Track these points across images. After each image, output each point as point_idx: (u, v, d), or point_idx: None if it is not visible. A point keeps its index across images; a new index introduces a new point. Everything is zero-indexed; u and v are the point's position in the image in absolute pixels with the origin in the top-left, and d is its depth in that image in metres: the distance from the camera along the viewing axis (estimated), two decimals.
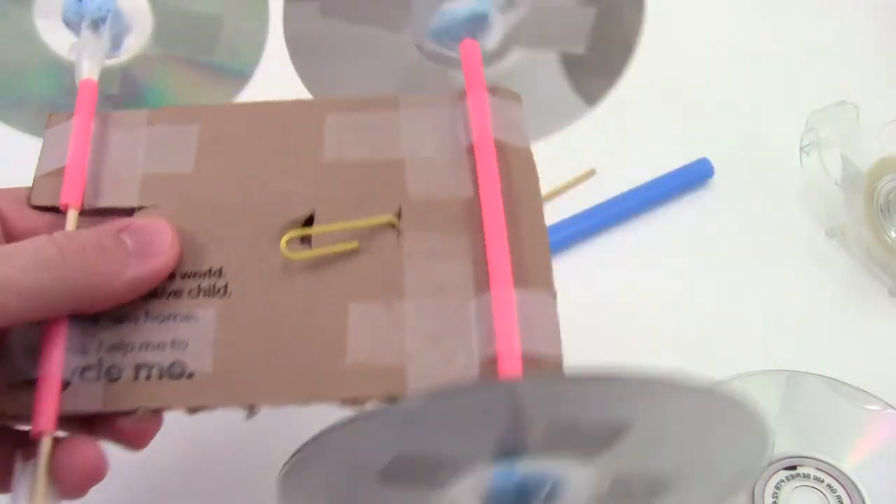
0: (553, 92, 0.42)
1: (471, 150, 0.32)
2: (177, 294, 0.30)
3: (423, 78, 0.38)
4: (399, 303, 0.29)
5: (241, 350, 0.29)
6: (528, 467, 0.26)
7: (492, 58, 0.37)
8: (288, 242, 0.30)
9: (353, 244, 0.30)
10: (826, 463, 0.41)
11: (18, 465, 0.27)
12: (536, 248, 0.30)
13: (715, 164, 0.52)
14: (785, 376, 0.44)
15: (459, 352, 0.28)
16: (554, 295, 0.30)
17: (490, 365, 0.28)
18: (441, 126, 0.33)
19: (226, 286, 0.30)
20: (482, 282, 0.29)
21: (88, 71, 0.33)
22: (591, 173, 0.53)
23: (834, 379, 0.43)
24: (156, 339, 0.29)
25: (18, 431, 0.29)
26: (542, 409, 0.25)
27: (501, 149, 0.32)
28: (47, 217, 0.31)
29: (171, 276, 0.30)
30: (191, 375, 0.28)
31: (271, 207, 0.31)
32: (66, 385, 0.28)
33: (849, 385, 0.43)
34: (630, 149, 0.54)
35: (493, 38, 0.36)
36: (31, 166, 0.32)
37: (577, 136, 0.49)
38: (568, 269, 0.49)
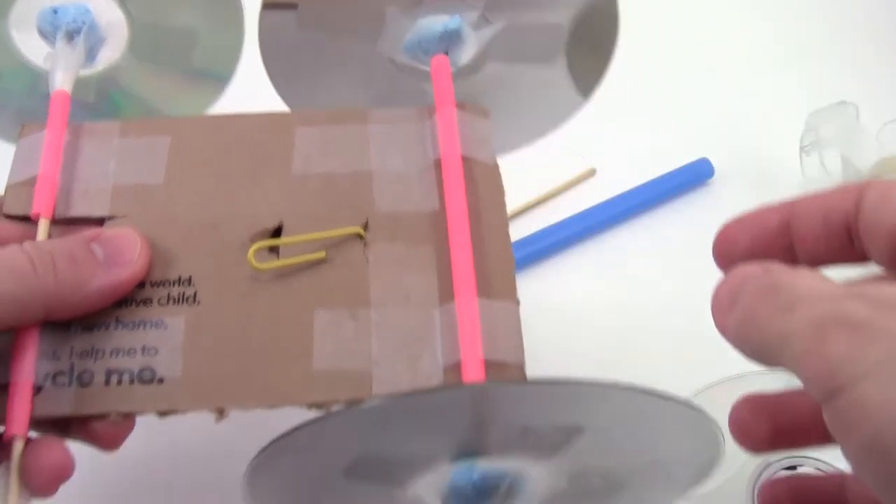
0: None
1: (438, 165, 0.34)
2: (147, 302, 0.32)
3: (396, 91, 0.40)
4: (365, 311, 0.32)
5: (209, 356, 0.31)
6: (486, 466, 0.28)
7: (467, 72, 0.39)
8: (256, 253, 0.32)
9: (321, 254, 0.32)
10: (826, 463, 0.41)
11: None
12: (500, 259, 0.32)
13: (715, 164, 0.54)
14: (785, 376, 0.44)
15: (424, 359, 0.31)
16: (517, 303, 0.32)
17: (454, 371, 0.30)
18: (409, 141, 0.35)
19: (195, 294, 0.32)
20: (447, 291, 0.31)
21: (62, 82, 0.35)
22: (592, 173, 0.55)
23: None
24: (126, 346, 0.31)
25: None
26: (500, 413, 0.27)
27: (468, 164, 0.34)
28: (18, 226, 0.33)
29: (142, 285, 0.32)
30: (161, 380, 0.30)
31: (240, 219, 0.33)
32: (38, 390, 0.30)
33: None
34: (630, 149, 0.56)
35: (467, 54, 0.38)
36: (4, 172, 0.34)
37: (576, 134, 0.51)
38: (568, 269, 0.51)
